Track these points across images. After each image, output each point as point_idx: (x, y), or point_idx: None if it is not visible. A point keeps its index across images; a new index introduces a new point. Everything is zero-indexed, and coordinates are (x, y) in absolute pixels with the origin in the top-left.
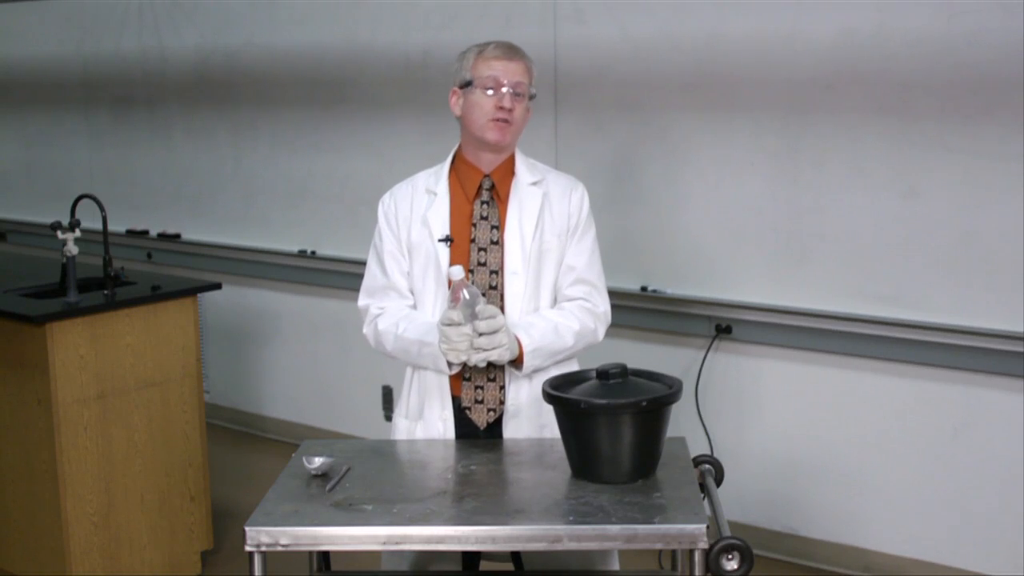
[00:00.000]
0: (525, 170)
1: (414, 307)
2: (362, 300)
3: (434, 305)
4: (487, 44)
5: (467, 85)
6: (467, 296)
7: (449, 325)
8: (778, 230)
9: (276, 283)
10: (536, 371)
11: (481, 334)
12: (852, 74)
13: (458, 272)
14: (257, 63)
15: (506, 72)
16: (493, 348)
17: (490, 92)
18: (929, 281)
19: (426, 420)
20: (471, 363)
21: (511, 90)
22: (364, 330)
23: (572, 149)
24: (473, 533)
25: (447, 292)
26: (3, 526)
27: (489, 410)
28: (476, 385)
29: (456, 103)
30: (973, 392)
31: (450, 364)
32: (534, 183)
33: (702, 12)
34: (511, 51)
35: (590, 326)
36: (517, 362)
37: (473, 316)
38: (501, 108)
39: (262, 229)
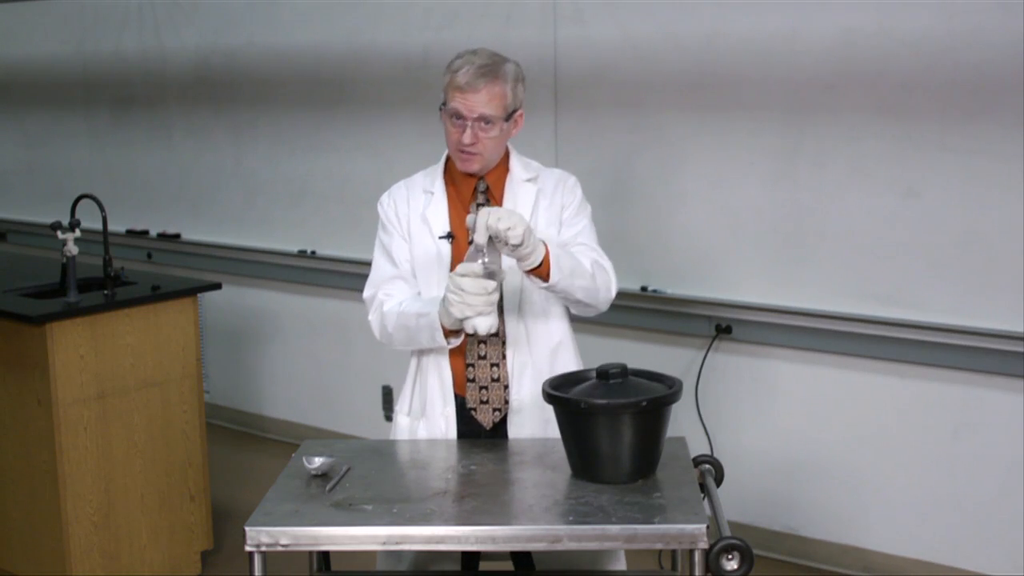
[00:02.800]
0: (520, 168)
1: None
2: (368, 291)
3: None
4: (462, 64)
5: (443, 105)
6: (480, 242)
7: (465, 276)
8: (778, 230)
9: (276, 283)
10: (558, 289)
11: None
12: (852, 74)
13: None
14: (257, 63)
15: (467, 106)
16: (509, 228)
17: (455, 122)
18: (929, 281)
19: (428, 417)
20: (486, 311)
21: (473, 124)
22: (369, 317)
23: (572, 149)
24: (473, 533)
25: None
26: (3, 526)
27: (495, 410)
28: (481, 386)
29: (441, 116)
30: (973, 392)
31: (448, 338)
32: (528, 180)
33: (702, 12)
34: (477, 79)
35: (603, 265)
36: (542, 270)
37: (493, 271)
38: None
39: (262, 229)
